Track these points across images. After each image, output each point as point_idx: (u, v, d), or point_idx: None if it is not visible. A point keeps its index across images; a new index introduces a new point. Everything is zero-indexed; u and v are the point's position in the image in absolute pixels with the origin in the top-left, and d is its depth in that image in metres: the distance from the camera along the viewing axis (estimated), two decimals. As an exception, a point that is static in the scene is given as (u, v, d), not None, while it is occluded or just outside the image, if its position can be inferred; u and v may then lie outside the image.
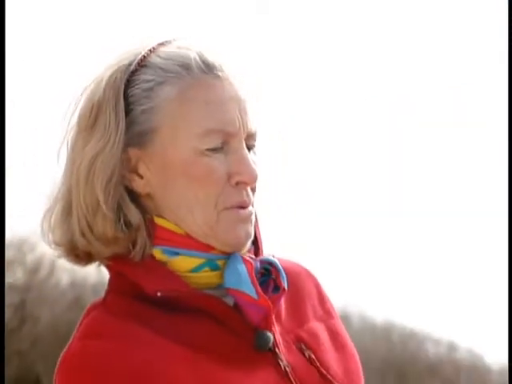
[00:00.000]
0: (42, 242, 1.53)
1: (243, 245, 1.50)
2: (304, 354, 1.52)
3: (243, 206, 1.49)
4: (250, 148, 1.52)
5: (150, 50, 1.53)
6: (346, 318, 9.00)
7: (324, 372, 1.51)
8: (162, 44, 1.53)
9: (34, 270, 10.22)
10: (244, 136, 1.51)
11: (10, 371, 9.17)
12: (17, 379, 8.87)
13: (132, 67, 1.52)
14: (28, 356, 9.53)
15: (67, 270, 9.42)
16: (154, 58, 1.52)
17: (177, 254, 1.51)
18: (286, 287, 1.52)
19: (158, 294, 1.47)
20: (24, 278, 10.16)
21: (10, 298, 9.83)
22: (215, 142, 1.49)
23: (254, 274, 1.50)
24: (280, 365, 1.49)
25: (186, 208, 1.49)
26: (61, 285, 10.03)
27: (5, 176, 3.33)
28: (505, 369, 8.62)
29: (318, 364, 1.52)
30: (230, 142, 1.49)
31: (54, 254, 1.52)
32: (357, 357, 1.62)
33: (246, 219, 1.50)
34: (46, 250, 1.58)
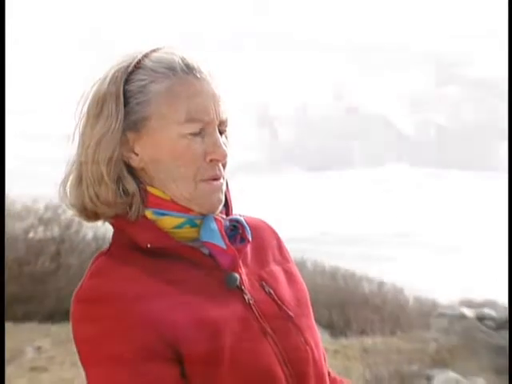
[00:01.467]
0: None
1: (216, 208, 1.48)
2: (265, 290, 1.51)
3: (216, 179, 1.47)
4: (221, 132, 1.49)
5: (144, 55, 1.51)
6: (302, 263, 9.07)
7: (280, 303, 1.50)
8: (153, 50, 1.51)
9: (67, 226, 10.21)
10: (217, 123, 1.48)
11: (50, 304, 9.17)
12: (55, 309, 8.85)
13: (130, 68, 1.49)
14: (63, 292, 9.45)
15: (91, 227, 9.40)
16: (147, 62, 1.50)
17: (164, 214, 1.49)
18: (249, 239, 1.50)
19: (148, 245, 1.46)
20: (59, 232, 10.15)
21: (49, 249, 9.85)
22: (194, 128, 1.46)
23: (223, 230, 1.48)
24: (245, 299, 1.47)
25: (171, 180, 1.47)
26: (86, 238, 10.02)
27: (5, 174, 3.13)
28: (417, 297, 8.72)
29: (275, 297, 1.50)
30: (205, 128, 1.47)
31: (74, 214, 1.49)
32: (307, 292, 1.60)
33: (218, 189, 1.48)
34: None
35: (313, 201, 13.85)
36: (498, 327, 7.66)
